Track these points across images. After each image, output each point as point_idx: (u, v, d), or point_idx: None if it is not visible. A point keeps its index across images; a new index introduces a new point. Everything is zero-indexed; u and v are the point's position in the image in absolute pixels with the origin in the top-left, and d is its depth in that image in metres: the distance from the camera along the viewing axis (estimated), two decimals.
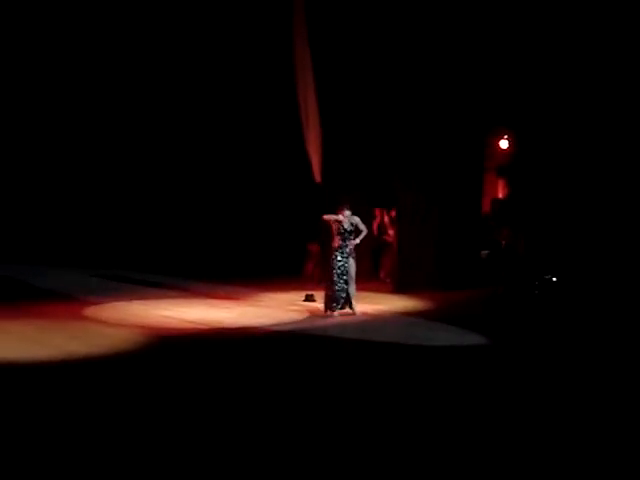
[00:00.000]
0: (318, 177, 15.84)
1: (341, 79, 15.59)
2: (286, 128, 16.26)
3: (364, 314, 12.14)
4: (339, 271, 11.83)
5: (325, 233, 15.86)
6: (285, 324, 11.25)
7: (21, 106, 18.66)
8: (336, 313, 11.79)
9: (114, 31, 16.91)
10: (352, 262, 11.98)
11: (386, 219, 16.69)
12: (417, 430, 6.10)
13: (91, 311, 11.86)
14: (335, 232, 12.01)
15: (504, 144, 15.92)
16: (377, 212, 16.70)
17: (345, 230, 11.96)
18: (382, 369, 8.43)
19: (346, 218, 12.01)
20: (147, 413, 6.48)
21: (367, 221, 16.55)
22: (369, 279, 16.38)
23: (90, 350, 8.88)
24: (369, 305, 13.08)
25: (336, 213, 12.06)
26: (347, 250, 11.93)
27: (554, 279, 13.82)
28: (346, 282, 11.87)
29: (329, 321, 11.55)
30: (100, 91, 18.46)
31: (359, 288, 15.14)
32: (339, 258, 11.86)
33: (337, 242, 11.94)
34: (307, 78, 15.31)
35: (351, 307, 11.98)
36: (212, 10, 16.47)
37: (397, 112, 14.99)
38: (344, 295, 11.90)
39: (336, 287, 11.83)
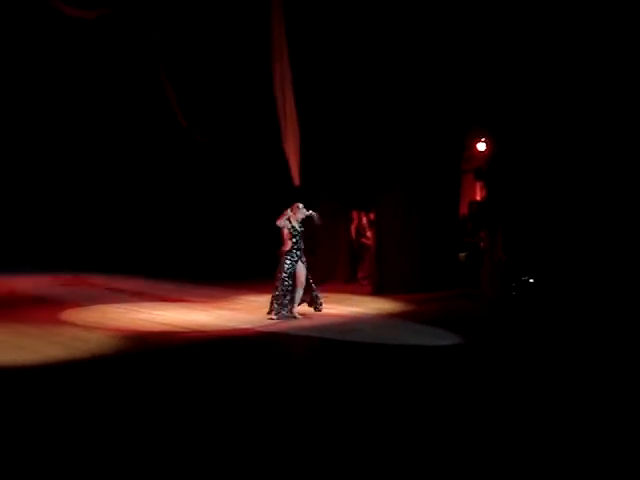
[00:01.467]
0: (297, 180, 15.89)
1: (319, 81, 15.64)
2: (264, 130, 16.28)
3: (337, 316, 12.15)
4: (286, 274, 11.69)
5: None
6: (264, 326, 11.24)
7: (9, 114, 18.65)
8: (275, 317, 11.61)
9: (108, 37, 16.80)
10: (301, 266, 11.81)
11: (364, 221, 16.75)
12: (392, 430, 6.14)
13: (69, 315, 11.80)
14: (286, 237, 11.87)
15: (482, 146, 16.00)
16: (354, 214, 16.75)
17: (297, 232, 11.83)
18: (356, 369, 8.46)
19: (296, 215, 11.83)
20: (126, 416, 6.47)
21: (346, 224, 16.76)
22: (347, 281, 16.47)
23: (69, 354, 8.83)
24: (347, 307, 13.12)
25: (290, 210, 11.88)
26: (297, 254, 11.80)
27: (531, 280, 13.92)
28: (290, 285, 11.72)
29: (305, 322, 11.55)
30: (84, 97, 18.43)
31: (337, 290, 15.29)
32: (288, 262, 11.71)
33: (288, 246, 11.80)
34: (285, 80, 15.31)
35: (292, 311, 11.77)
36: (192, 11, 16.38)
37: (375, 114, 15.04)
38: (288, 298, 11.73)
39: (280, 291, 11.68)
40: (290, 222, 11.83)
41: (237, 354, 9.35)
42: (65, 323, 11.10)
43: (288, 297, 11.75)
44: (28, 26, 16.94)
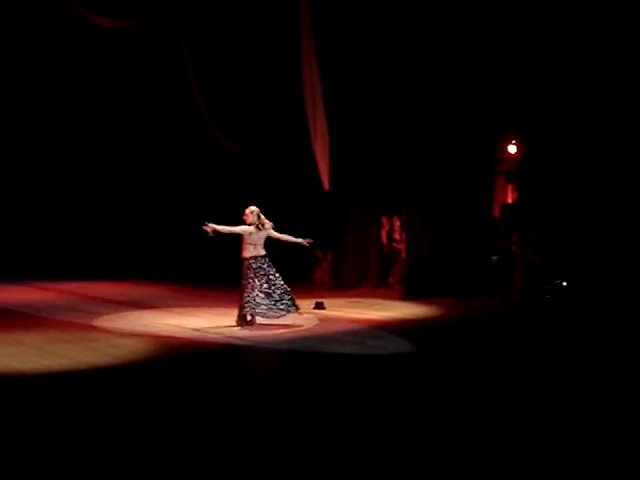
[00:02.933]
0: (326, 185, 15.90)
1: (349, 85, 15.61)
2: (294, 135, 16.30)
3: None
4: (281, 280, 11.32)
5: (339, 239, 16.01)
6: (296, 331, 11.24)
7: (40, 121, 18.87)
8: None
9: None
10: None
11: (395, 226, 16.67)
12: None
13: (101, 321, 11.88)
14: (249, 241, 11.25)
15: (512, 149, 15.87)
16: (384, 219, 16.68)
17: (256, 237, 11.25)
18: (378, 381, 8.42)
19: (254, 222, 11.23)
20: (156, 423, 6.49)
21: (376, 228, 16.69)
22: (378, 286, 16.41)
23: (101, 360, 8.90)
24: (378, 312, 13.07)
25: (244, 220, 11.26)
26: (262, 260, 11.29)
27: (564, 284, 13.79)
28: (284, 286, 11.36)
29: (338, 326, 11.53)
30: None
31: (368, 295, 15.26)
32: (254, 267, 11.17)
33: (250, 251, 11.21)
34: (314, 85, 15.38)
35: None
36: (221, 18, 16.45)
37: (405, 118, 14.98)
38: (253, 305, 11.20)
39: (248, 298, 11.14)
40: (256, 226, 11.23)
41: (266, 361, 9.35)
42: (98, 330, 11.18)
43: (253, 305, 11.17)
44: (60, 36, 17.10)
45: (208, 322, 11.74)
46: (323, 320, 12.24)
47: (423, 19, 14.48)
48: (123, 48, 17.30)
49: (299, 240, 11.64)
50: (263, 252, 11.35)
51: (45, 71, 18.23)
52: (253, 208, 11.37)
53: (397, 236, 16.50)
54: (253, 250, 11.24)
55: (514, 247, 15.08)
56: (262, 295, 11.17)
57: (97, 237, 19.31)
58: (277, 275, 11.38)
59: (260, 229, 11.28)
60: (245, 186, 17.82)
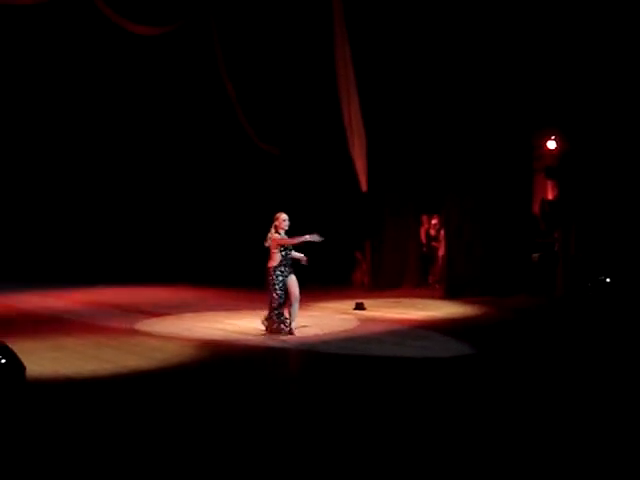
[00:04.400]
0: (364, 186, 15.85)
1: (384, 85, 15.55)
2: (331, 137, 16.26)
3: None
4: (281, 291, 10.75)
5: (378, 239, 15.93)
6: (334, 332, 11.19)
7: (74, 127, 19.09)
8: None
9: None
10: (293, 279, 10.83)
11: (433, 224, 16.58)
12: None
13: (143, 325, 11.95)
14: (276, 249, 10.83)
15: (551, 144, 15.67)
16: (424, 219, 16.58)
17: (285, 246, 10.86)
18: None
19: (282, 226, 10.91)
20: (200, 427, 6.48)
21: (415, 228, 16.60)
22: (418, 285, 16.33)
23: (145, 364, 8.92)
24: (419, 312, 12.98)
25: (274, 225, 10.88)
26: (287, 268, 10.81)
27: (608, 280, 13.56)
28: (283, 301, 10.82)
29: (379, 328, 11.46)
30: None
31: (408, 294, 15.19)
32: (280, 277, 10.72)
33: (277, 260, 10.77)
34: (350, 85, 15.34)
35: (290, 327, 10.84)
36: (256, 22, 16.48)
37: (442, 116, 14.88)
38: (282, 316, 10.85)
39: (275, 309, 10.80)
40: (279, 233, 10.85)
41: (310, 363, 9.30)
42: (140, 333, 11.23)
43: (282, 314, 10.84)
44: (94, 43, 17.25)
45: (248, 325, 11.72)
46: (364, 321, 12.17)
47: (460, 16, 14.37)
48: (159, 54, 17.40)
49: (307, 238, 11.04)
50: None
51: (81, 78, 18.41)
52: (285, 215, 11.06)
53: (434, 234, 16.41)
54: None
55: (555, 244, 14.89)
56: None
57: (134, 242, 19.46)
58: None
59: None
60: (283, 189, 17.84)
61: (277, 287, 10.70)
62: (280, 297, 10.72)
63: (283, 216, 11.01)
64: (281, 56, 16.70)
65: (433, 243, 16.51)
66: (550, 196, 16.23)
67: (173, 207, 19.71)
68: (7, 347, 8.05)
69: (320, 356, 9.58)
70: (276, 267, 10.74)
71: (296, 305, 10.85)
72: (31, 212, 19.44)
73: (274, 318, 10.80)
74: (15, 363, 7.94)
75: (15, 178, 19.28)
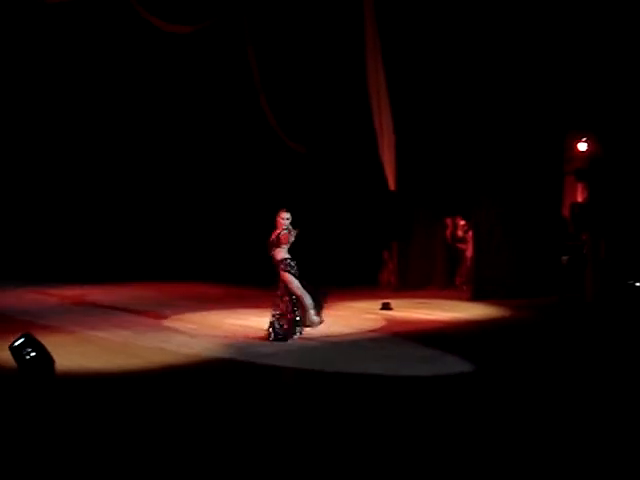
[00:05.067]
0: (392, 185, 15.81)
1: (415, 84, 15.49)
2: (360, 136, 16.23)
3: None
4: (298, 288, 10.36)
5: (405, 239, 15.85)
6: (365, 331, 11.17)
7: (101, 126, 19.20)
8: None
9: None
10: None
11: (461, 225, 16.49)
12: None
13: (171, 321, 12.00)
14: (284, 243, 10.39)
15: (582, 146, 15.54)
16: (448, 221, 16.48)
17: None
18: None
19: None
20: (229, 424, 6.49)
21: (442, 229, 16.52)
22: (445, 287, 16.26)
23: (173, 359, 8.95)
24: (446, 313, 12.92)
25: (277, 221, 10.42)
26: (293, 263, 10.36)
27: (637, 284, 13.42)
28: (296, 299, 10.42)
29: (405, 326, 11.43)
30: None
31: (435, 295, 15.12)
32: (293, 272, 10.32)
33: (283, 254, 10.35)
34: (380, 84, 15.31)
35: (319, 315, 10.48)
36: (286, 21, 16.48)
37: (472, 117, 14.80)
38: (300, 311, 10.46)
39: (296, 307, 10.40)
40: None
41: (344, 357, 9.28)
42: (168, 329, 11.29)
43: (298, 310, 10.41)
44: (125, 41, 17.35)
45: None
46: (390, 321, 12.14)
47: (491, 16, 14.28)
48: (190, 52, 17.47)
49: None
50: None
51: (109, 77, 18.51)
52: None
53: (461, 236, 16.32)
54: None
55: (585, 247, 14.76)
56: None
57: (155, 239, 19.54)
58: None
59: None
60: (310, 187, 17.85)
61: (296, 286, 10.23)
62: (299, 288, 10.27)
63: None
64: (311, 54, 16.68)
65: (459, 245, 16.41)
66: (580, 198, 16.10)
67: (198, 204, 19.75)
68: (37, 340, 8.14)
69: (344, 357, 9.56)
70: (287, 262, 10.33)
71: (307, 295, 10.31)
72: (50, 211, 19.54)
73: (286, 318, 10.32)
74: (45, 356, 8.03)
75: (32, 178, 19.37)
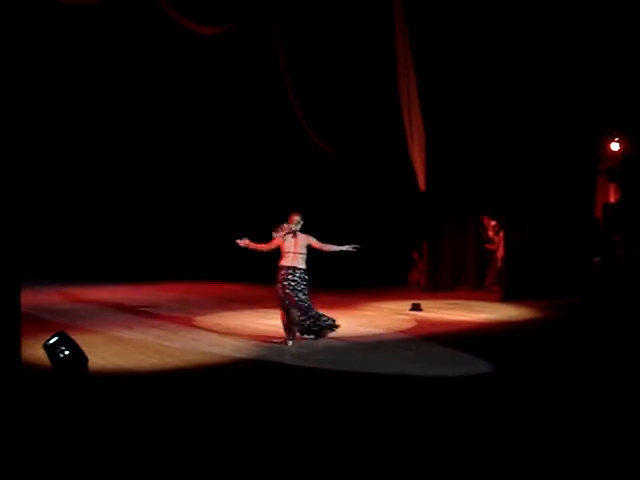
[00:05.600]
0: (423, 185, 15.75)
1: (445, 85, 15.42)
2: (391, 137, 16.20)
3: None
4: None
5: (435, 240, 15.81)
6: (396, 331, 11.15)
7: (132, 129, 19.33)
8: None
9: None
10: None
11: (492, 226, 16.37)
12: None
13: (202, 321, 12.06)
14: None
15: (615, 146, 15.37)
16: (485, 221, 16.34)
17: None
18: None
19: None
20: (261, 422, 6.51)
21: (473, 229, 16.41)
22: (475, 288, 16.17)
23: (205, 359, 9.02)
24: (476, 314, 12.85)
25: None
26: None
27: None
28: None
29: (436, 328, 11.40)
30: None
31: (466, 296, 15.04)
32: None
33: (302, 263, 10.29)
34: (410, 84, 15.27)
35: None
36: (316, 21, 16.48)
37: (504, 116, 14.70)
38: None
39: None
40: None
41: (375, 358, 9.27)
42: (200, 329, 11.35)
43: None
44: (154, 43, 17.44)
45: None
46: (420, 322, 12.10)
47: (524, 15, 14.18)
48: (220, 53, 17.53)
49: (344, 248, 10.34)
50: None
51: (137, 78, 18.62)
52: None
53: (490, 237, 16.19)
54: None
55: (617, 248, 14.59)
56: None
57: (189, 239, 19.62)
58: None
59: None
60: (341, 187, 17.84)
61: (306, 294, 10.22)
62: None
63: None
64: (341, 54, 16.66)
65: (488, 245, 16.28)
66: (612, 199, 15.93)
67: (227, 205, 19.79)
68: (71, 339, 8.21)
69: (381, 350, 9.55)
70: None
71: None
72: (81, 212, 19.70)
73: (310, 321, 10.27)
74: (78, 355, 8.10)
75: (65, 179, 19.52)
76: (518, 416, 6.62)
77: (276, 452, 5.66)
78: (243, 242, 10.35)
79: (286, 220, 10.36)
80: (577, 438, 5.97)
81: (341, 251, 10.37)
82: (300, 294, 10.12)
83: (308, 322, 10.26)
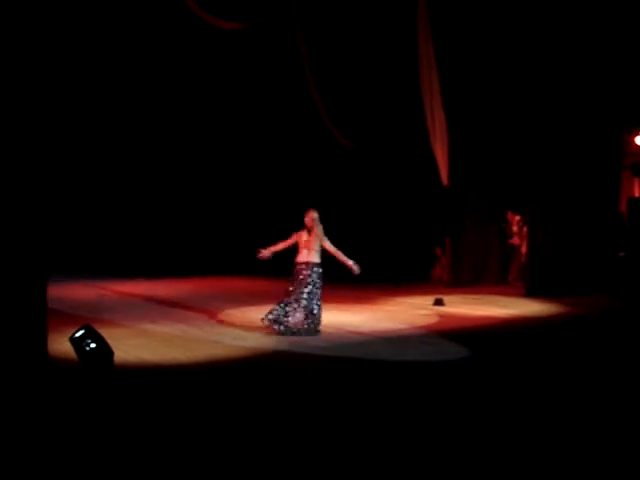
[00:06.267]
0: (445, 180, 15.71)
1: (467, 79, 15.37)
2: (413, 131, 16.16)
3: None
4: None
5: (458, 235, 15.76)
6: (418, 327, 11.15)
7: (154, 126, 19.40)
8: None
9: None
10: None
11: (513, 221, 16.30)
12: None
13: (226, 315, 12.11)
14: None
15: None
16: (510, 216, 16.26)
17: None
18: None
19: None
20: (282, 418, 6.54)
21: (497, 224, 16.36)
22: (497, 283, 16.13)
23: (230, 353, 9.05)
24: (499, 309, 12.81)
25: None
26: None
27: None
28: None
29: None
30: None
31: (489, 292, 15.00)
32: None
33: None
34: (432, 80, 15.21)
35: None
36: (338, 14, 16.47)
37: (528, 111, 14.63)
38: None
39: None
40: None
41: (396, 353, 9.28)
42: (224, 323, 11.41)
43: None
44: (177, 37, 17.50)
45: (328, 317, 11.75)
46: (443, 317, 12.08)
47: (546, 10, 14.10)
48: (242, 47, 17.56)
49: (349, 263, 10.50)
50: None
51: (157, 72, 18.68)
52: (316, 214, 10.53)
53: (514, 232, 16.12)
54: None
55: None
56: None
57: (213, 234, 19.68)
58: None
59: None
60: (364, 183, 17.82)
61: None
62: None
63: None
64: (362, 47, 16.63)
65: (511, 241, 16.22)
66: (637, 194, 15.81)
67: (249, 200, 19.83)
68: (96, 332, 8.28)
69: (401, 346, 9.55)
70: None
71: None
72: (107, 206, 19.78)
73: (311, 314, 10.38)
74: (104, 348, 8.17)
75: (88, 174, 19.63)
76: (523, 406, 6.63)
77: (294, 440, 5.70)
78: (265, 253, 10.55)
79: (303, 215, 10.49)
80: (589, 432, 5.96)
81: (344, 264, 10.48)
82: (307, 287, 10.29)
83: (306, 322, 10.30)
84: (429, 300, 13.39)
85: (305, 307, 10.29)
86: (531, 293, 14.18)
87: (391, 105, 16.90)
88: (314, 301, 10.33)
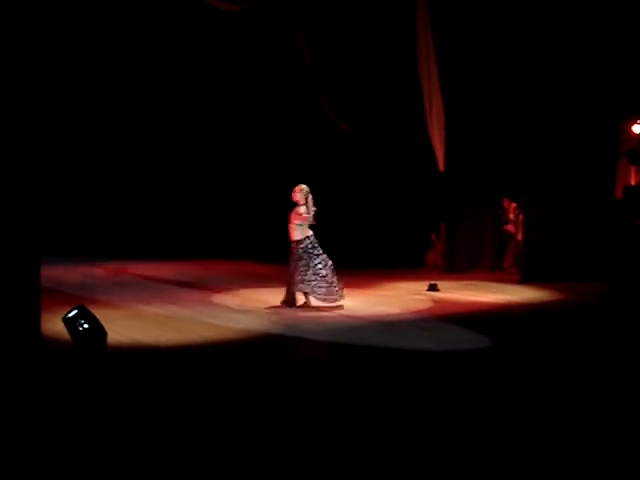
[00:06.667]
0: (441, 166, 15.69)
1: (465, 66, 15.32)
2: (410, 116, 16.11)
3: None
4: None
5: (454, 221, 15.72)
6: (413, 311, 11.17)
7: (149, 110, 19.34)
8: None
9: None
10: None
11: (509, 207, 16.31)
12: None
13: (220, 298, 12.13)
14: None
15: (637, 129, 15.23)
16: (506, 203, 16.27)
17: None
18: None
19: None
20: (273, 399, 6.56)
21: (492, 211, 16.34)
22: (492, 269, 16.16)
23: (222, 334, 9.08)
24: (493, 295, 12.83)
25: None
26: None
27: None
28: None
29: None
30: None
31: (483, 278, 15.02)
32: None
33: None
34: (430, 65, 15.17)
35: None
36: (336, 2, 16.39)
37: (524, 98, 14.60)
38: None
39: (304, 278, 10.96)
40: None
41: (388, 336, 9.29)
42: (217, 305, 11.43)
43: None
44: (174, 23, 17.41)
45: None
46: (437, 302, 12.10)
47: (544, 3, 14.06)
48: (239, 30, 17.46)
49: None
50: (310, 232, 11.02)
51: (155, 57, 18.59)
52: (303, 186, 11.03)
53: (510, 219, 16.13)
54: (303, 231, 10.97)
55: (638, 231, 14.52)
56: (319, 277, 10.89)
57: (205, 217, 19.67)
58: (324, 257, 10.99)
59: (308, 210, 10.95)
60: (359, 167, 17.78)
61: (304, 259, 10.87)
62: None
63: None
64: (360, 31, 16.54)
65: (507, 227, 16.23)
66: (633, 182, 15.82)
67: (243, 183, 19.79)
68: (90, 312, 8.29)
69: (393, 329, 9.57)
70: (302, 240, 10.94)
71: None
72: (99, 188, 19.77)
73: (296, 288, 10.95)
74: (97, 329, 8.18)
75: (78, 158, 19.59)
76: (518, 391, 6.65)
77: (289, 424, 5.72)
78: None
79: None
80: (583, 421, 5.98)
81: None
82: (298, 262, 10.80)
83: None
84: (423, 285, 13.39)
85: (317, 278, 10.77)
86: (526, 280, 14.19)
87: (389, 90, 16.82)
88: (310, 272, 10.77)
